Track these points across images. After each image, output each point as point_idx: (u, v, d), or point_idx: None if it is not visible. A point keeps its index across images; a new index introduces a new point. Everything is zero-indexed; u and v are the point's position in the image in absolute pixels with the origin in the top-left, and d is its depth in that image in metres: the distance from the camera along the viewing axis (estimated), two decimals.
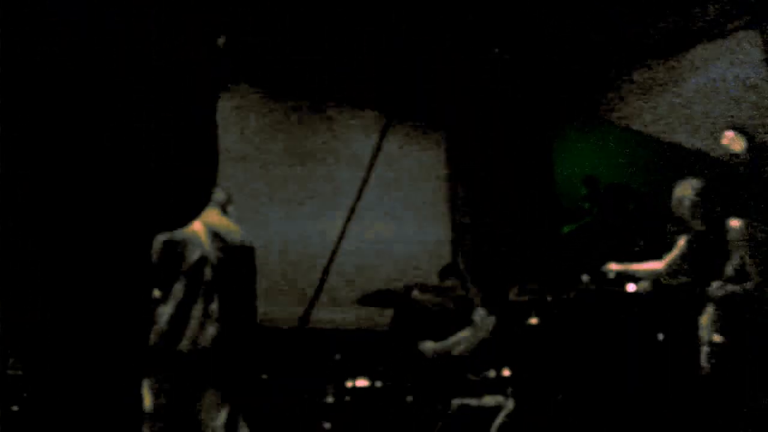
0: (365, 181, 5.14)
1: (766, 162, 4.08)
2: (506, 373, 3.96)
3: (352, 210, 4.95)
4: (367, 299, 4.24)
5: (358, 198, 4.91)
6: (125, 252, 1.36)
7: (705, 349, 3.49)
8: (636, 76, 6.00)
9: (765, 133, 4.96)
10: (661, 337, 3.84)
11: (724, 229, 3.63)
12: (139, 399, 1.55)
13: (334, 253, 4.84)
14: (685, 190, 3.76)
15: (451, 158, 6.33)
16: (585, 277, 4.28)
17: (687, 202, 3.72)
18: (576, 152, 6.24)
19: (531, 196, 6.08)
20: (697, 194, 3.69)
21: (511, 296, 4.10)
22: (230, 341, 3.24)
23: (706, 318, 3.53)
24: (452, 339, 3.99)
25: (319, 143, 5.91)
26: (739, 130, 4.35)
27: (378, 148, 5.23)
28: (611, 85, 6.14)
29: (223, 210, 3.67)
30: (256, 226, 5.28)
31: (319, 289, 4.91)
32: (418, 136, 6.25)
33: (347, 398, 3.91)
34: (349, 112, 6.00)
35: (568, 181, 5.99)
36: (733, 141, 3.80)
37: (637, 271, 4.05)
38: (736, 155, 4.21)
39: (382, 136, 5.31)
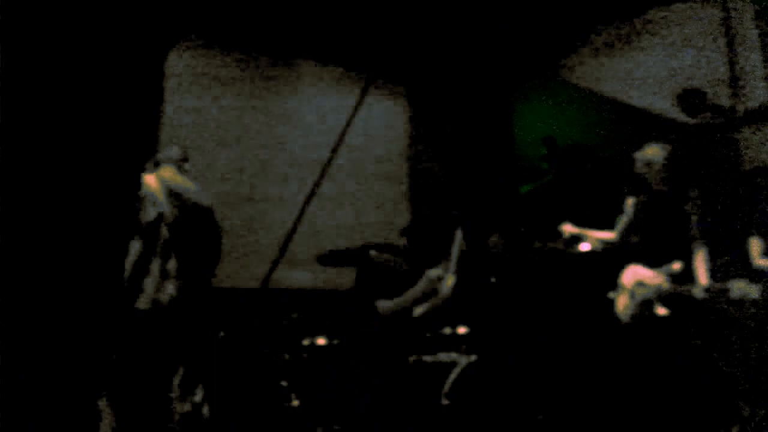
0: (338, 144, 5.13)
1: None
2: (461, 330, 4.02)
3: (322, 174, 4.93)
4: (326, 259, 4.26)
5: (330, 161, 4.87)
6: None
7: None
8: (596, 38, 6.03)
9: (714, 98, 5.04)
10: (612, 295, 3.93)
11: (684, 194, 3.76)
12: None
13: (301, 214, 4.83)
14: (656, 154, 3.90)
15: (413, 116, 6.33)
16: (539, 238, 4.35)
17: (657, 166, 3.85)
18: (536, 112, 6.27)
19: (491, 155, 6.11)
20: (666, 158, 3.83)
21: (463, 251, 4.14)
22: (188, 299, 3.24)
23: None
24: (406, 295, 4.04)
25: (283, 100, 5.85)
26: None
27: (356, 108, 5.20)
28: (572, 46, 6.15)
29: (179, 167, 3.64)
30: (214, 184, 5.25)
31: (282, 250, 4.92)
32: (381, 92, 6.22)
33: (304, 356, 3.95)
34: (312, 67, 5.94)
35: (528, 141, 6.03)
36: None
37: (590, 237, 4.15)
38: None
39: (362, 95, 5.28)
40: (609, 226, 4.35)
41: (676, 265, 3.58)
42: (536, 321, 4.20)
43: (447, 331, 4.03)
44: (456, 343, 3.95)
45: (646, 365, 3.68)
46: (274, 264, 4.59)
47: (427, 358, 3.88)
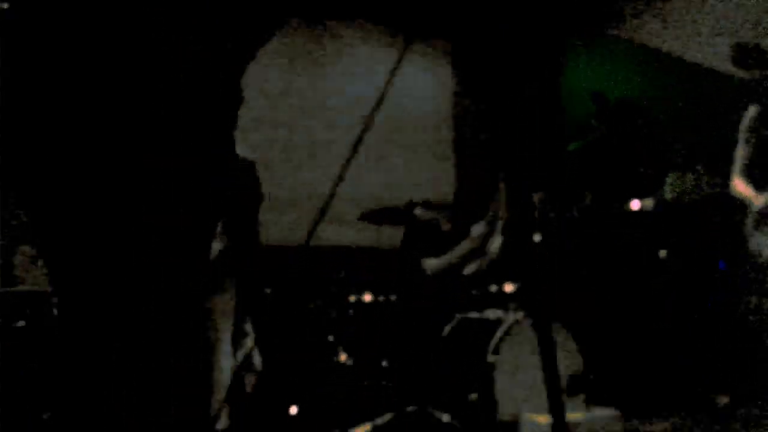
0: (380, 101, 5.08)
1: None
2: (508, 288, 4.01)
3: (363, 131, 4.90)
4: (370, 217, 4.26)
5: (372, 115, 4.83)
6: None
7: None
8: None
9: None
10: (662, 254, 3.86)
11: None
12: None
13: (344, 170, 4.82)
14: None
15: (457, 74, 6.24)
16: (588, 195, 4.29)
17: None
18: (586, 68, 6.13)
19: (538, 112, 6.01)
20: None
21: (509, 209, 4.11)
22: (234, 256, 3.28)
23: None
24: (452, 254, 4.03)
25: (324, 57, 5.82)
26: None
27: (395, 68, 5.12)
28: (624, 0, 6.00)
29: None
30: (258, 141, 5.28)
31: (324, 208, 4.91)
32: (423, 50, 6.15)
33: (350, 312, 3.98)
34: (348, 28, 5.89)
35: (578, 98, 5.91)
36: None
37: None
38: None
39: (403, 52, 5.20)
40: (656, 185, 4.26)
41: None
42: (583, 280, 4.16)
43: (493, 288, 4.02)
44: (503, 300, 3.95)
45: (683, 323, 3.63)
46: (318, 221, 4.61)
47: (474, 315, 3.88)
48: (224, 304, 3.10)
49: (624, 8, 6.04)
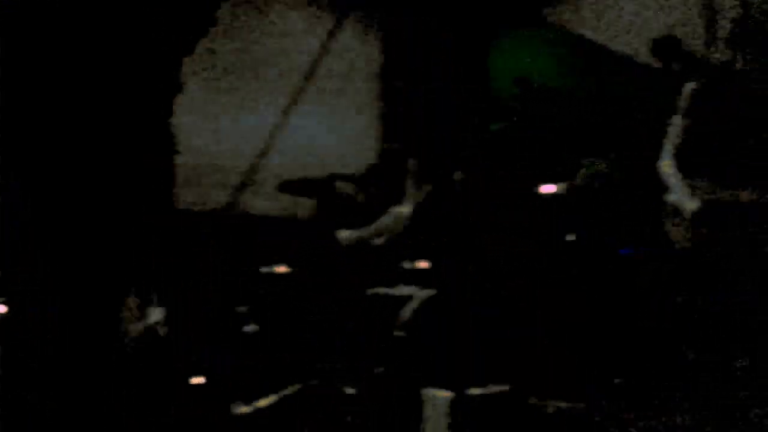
0: (309, 75, 5.04)
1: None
2: (422, 264, 4.05)
3: (291, 103, 4.84)
4: (290, 187, 4.24)
5: (300, 91, 4.77)
6: None
7: None
8: None
9: (689, 47, 5.00)
10: (571, 237, 3.96)
11: None
12: None
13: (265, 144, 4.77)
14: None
15: (386, 50, 6.22)
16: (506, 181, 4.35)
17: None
18: (513, 52, 6.19)
19: (464, 92, 6.05)
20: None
21: (426, 187, 4.14)
22: (144, 221, 3.20)
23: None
24: (369, 228, 4.05)
25: (253, 30, 5.73)
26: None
27: (329, 37, 5.09)
28: None
29: None
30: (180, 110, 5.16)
31: (246, 177, 4.87)
32: (354, 24, 6.10)
33: (264, 284, 3.96)
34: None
35: (504, 81, 5.97)
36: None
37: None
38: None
39: (335, 26, 5.17)
40: (575, 167, 4.36)
41: None
42: (496, 258, 4.24)
43: (407, 265, 4.05)
44: (416, 277, 3.98)
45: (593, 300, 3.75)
46: (237, 190, 4.58)
47: (386, 291, 3.91)
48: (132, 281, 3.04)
49: None
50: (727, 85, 3.43)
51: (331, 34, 5.90)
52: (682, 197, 3.28)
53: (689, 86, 3.43)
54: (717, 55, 5.03)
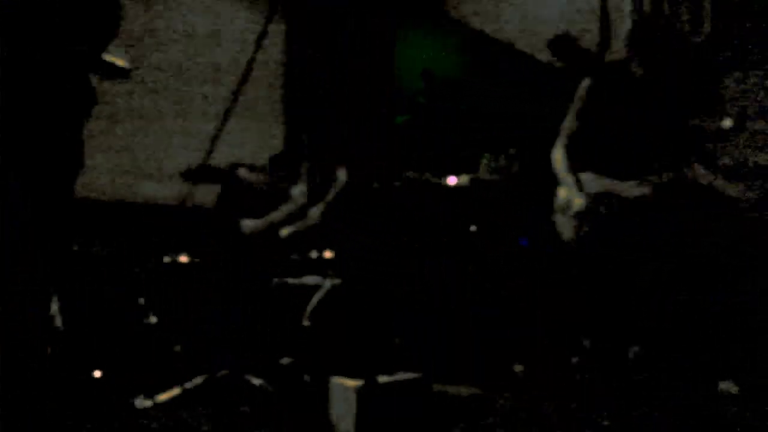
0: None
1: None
2: (328, 254, 4.04)
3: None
4: (191, 174, 4.14)
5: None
6: None
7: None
8: None
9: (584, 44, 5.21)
10: (473, 228, 4.06)
11: None
12: None
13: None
14: None
15: (290, 36, 6.16)
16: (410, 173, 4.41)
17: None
18: (419, 45, 6.26)
19: (369, 83, 6.08)
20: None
21: (341, 178, 4.14)
22: (43, 209, 3.06)
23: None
24: (271, 215, 4.01)
25: (153, 12, 5.54)
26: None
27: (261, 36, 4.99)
28: None
29: None
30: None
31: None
32: (256, 7, 6.01)
33: (164, 274, 3.85)
34: None
35: (410, 73, 6.02)
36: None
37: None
38: None
39: (268, 21, 5.06)
40: (473, 163, 4.46)
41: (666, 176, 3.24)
42: (401, 249, 4.29)
43: (314, 254, 4.04)
44: (322, 266, 3.98)
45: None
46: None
47: (292, 281, 3.89)
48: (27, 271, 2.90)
49: None
50: (621, 83, 3.55)
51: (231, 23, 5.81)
52: (570, 192, 3.35)
53: (584, 84, 3.54)
54: (614, 55, 5.25)
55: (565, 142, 3.49)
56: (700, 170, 3.37)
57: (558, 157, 3.49)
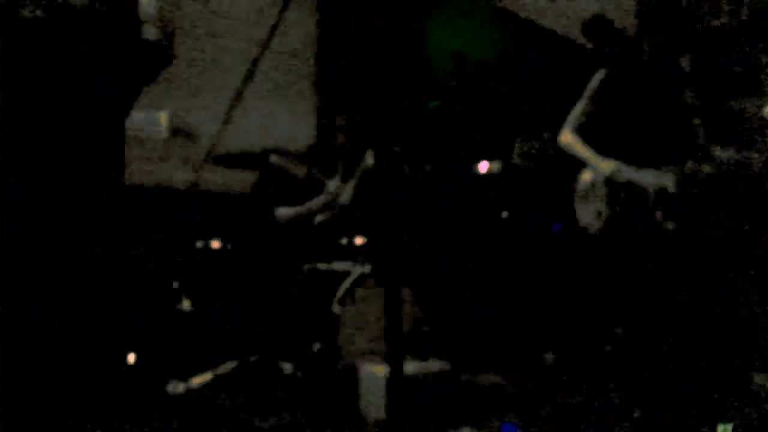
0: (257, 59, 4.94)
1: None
2: (358, 241, 4.05)
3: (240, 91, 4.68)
4: (223, 160, 4.17)
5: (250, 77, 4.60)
6: None
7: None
8: None
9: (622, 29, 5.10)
10: (505, 215, 4.03)
11: None
12: None
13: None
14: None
15: (322, 21, 6.14)
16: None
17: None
18: (450, 29, 6.20)
19: (401, 68, 6.04)
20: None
21: (368, 161, 4.13)
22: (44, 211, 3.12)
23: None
24: (306, 205, 4.02)
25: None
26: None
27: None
28: None
29: None
30: None
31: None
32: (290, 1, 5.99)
33: (197, 259, 3.90)
34: None
35: (442, 56, 5.98)
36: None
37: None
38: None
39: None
40: (505, 148, 4.42)
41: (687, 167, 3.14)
42: (433, 237, 4.28)
43: (344, 241, 4.05)
44: (352, 253, 3.99)
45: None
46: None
47: (322, 266, 3.90)
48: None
49: None
50: (639, 71, 3.44)
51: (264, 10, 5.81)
52: (595, 162, 3.21)
53: (598, 76, 3.43)
54: (648, 41, 5.15)
55: (575, 124, 3.38)
56: (723, 154, 3.23)
57: (569, 138, 3.36)
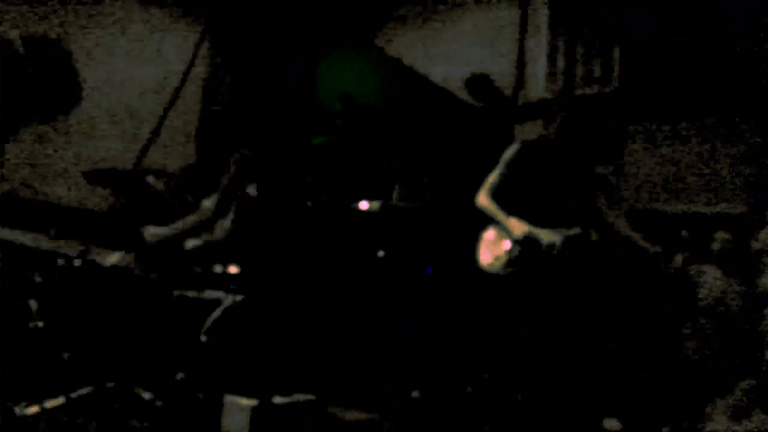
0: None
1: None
2: (232, 270, 3.98)
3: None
4: (95, 176, 4.01)
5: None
6: None
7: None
8: (406, 10, 6.26)
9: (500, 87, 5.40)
10: (381, 253, 4.08)
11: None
12: None
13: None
14: None
15: (213, 52, 6.10)
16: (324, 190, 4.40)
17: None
18: (342, 70, 6.31)
19: (289, 104, 6.07)
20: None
21: (251, 193, 4.10)
22: None
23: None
24: (177, 224, 3.92)
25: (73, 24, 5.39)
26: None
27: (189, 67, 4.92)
28: (382, 13, 6.33)
29: None
30: None
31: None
32: (179, 21, 5.93)
33: (57, 277, 3.70)
34: None
35: (331, 97, 6.06)
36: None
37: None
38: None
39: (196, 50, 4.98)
40: (391, 186, 4.50)
41: (575, 230, 3.61)
42: (306, 269, 4.27)
43: (218, 269, 3.96)
44: (224, 282, 3.91)
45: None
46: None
47: (191, 294, 3.80)
48: None
49: (383, 20, 6.34)
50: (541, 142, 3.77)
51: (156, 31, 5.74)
52: (506, 222, 3.64)
53: (512, 149, 3.76)
54: (529, 94, 5.44)
55: (490, 188, 3.76)
56: (609, 215, 3.69)
57: (485, 201, 3.74)
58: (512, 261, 3.60)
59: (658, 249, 3.56)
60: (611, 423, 3.65)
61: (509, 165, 3.72)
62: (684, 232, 3.80)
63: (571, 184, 3.69)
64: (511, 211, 3.65)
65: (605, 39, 5.18)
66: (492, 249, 3.69)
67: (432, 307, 4.06)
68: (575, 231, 3.60)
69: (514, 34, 5.64)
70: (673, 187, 4.73)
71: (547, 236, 3.57)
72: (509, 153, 3.74)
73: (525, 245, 3.58)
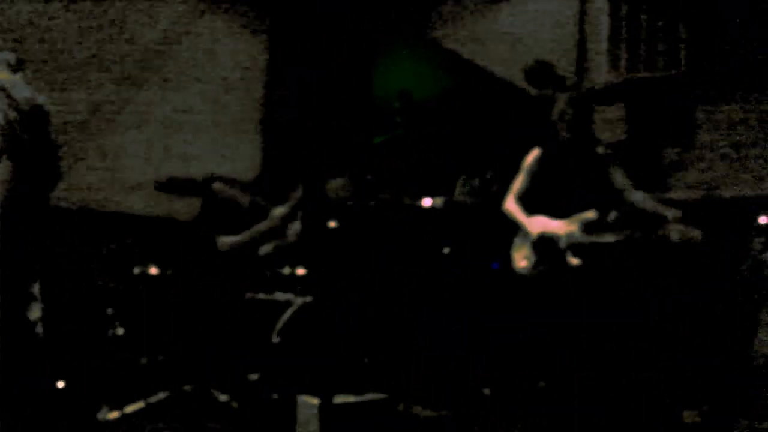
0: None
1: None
2: (300, 271, 4.04)
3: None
4: (165, 186, 4.12)
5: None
6: None
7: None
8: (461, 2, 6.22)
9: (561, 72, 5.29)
10: (446, 250, 4.08)
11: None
12: None
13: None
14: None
15: (272, 53, 6.18)
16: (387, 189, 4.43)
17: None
18: (398, 67, 6.31)
19: (348, 104, 6.11)
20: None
21: (309, 195, 4.14)
22: (19, 212, 3.04)
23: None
24: (248, 233, 4.00)
25: (134, 21, 5.53)
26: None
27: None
28: (437, 6, 6.30)
29: (13, 70, 3.37)
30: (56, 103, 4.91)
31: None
32: (239, 23, 6.03)
33: (136, 285, 3.83)
34: None
35: (388, 94, 6.07)
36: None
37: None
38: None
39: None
40: (453, 181, 4.49)
41: (591, 213, 3.62)
42: (374, 268, 4.30)
43: (286, 271, 4.03)
44: (293, 283, 3.97)
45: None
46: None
47: (263, 296, 3.88)
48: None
49: (438, 14, 6.31)
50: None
51: (218, 35, 5.85)
52: (527, 226, 3.71)
53: (537, 152, 3.77)
54: (590, 82, 5.34)
55: (516, 193, 3.83)
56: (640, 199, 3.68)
57: (511, 205, 3.82)
58: (536, 262, 3.67)
59: (683, 229, 3.47)
60: (691, 416, 3.59)
61: (532, 170, 3.80)
62: (762, 219, 3.71)
63: (586, 172, 3.71)
64: (533, 210, 3.71)
65: (670, 18, 5.04)
66: (520, 251, 3.78)
67: (495, 306, 4.04)
68: (592, 215, 3.63)
69: (574, 16, 5.54)
70: (739, 171, 4.60)
71: (565, 227, 3.61)
72: (531, 159, 3.81)
73: (542, 244, 3.64)
